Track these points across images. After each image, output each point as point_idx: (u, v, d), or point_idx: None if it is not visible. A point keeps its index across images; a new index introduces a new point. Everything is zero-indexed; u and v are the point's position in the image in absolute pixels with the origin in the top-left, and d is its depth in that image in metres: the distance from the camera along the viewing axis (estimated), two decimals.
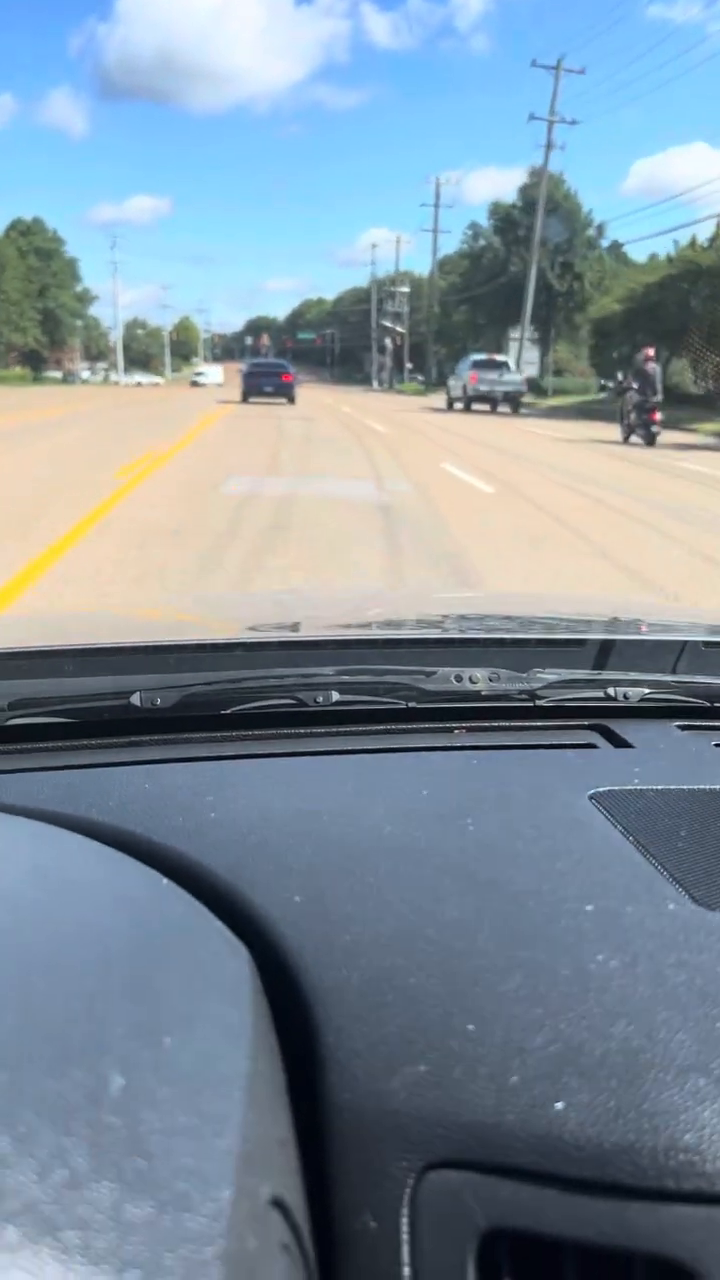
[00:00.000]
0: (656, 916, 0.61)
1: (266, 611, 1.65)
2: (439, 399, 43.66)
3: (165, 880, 0.62)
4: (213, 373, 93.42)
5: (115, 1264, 0.33)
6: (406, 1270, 0.44)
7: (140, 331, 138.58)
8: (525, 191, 58.25)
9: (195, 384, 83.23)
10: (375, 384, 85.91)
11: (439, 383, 59.79)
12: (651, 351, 19.11)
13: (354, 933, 0.59)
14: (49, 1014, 0.44)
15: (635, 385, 18.64)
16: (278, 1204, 0.41)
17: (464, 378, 33.04)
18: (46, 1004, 0.44)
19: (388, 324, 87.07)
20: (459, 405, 34.47)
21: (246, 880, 0.64)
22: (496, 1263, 0.45)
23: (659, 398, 18.28)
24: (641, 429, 18.49)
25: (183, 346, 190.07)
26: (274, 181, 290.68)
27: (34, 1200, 0.34)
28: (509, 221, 61.25)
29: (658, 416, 18.29)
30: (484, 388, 33.28)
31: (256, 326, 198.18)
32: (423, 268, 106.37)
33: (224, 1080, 0.43)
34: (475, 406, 33.46)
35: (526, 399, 36.75)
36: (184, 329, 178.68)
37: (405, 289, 76.60)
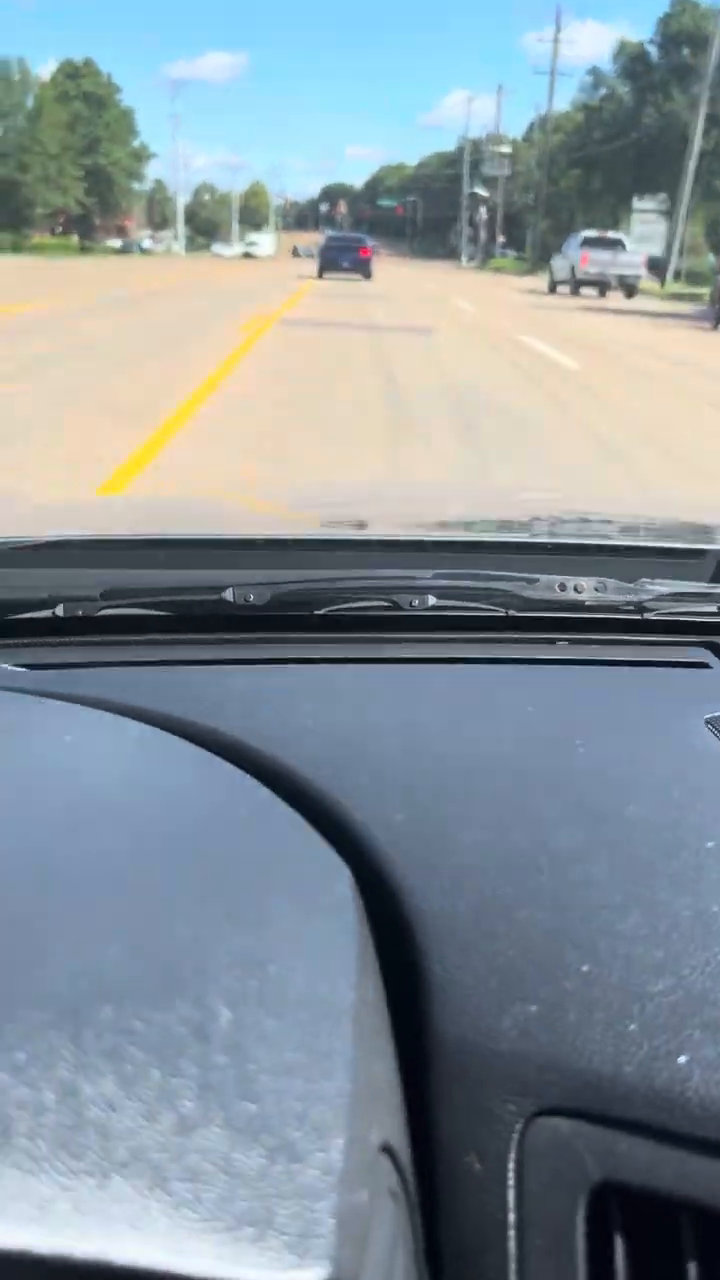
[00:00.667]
0: None
1: (358, 505, 1.56)
2: (539, 281, 37.62)
3: (265, 790, 0.59)
4: (265, 242, 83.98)
5: (226, 1220, 0.31)
6: (512, 1216, 0.43)
7: (208, 197, 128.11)
8: (666, 23, 47.98)
9: (249, 255, 74.50)
10: (464, 259, 76.60)
11: (541, 260, 50.70)
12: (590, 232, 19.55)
13: (461, 857, 0.56)
14: (154, 941, 0.42)
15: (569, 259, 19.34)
16: (386, 1149, 0.40)
17: (571, 257, 29.13)
18: (152, 930, 0.43)
19: (480, 191, 76.96)
20: (563, 289, 30.42)
21: (346, 794, 0.61)
22: (606, 1218, 0.43)
23: (590, 268, 18.41)
24: (572, 289, 18.85)
25: (253, 214, 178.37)
26: (356, 37, 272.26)
27: (142, 1147, 0.32)
28: (640, 64, 51.01)
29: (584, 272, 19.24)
30: (594, 270, 28.99)
31: (333, 194, 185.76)
32: (518, 130, 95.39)
33: (332, 1013, 0.41)
34: (584, 291, 29.71)
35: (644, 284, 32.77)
36: (254, 195, 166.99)
37: (505, 149, 65.34)
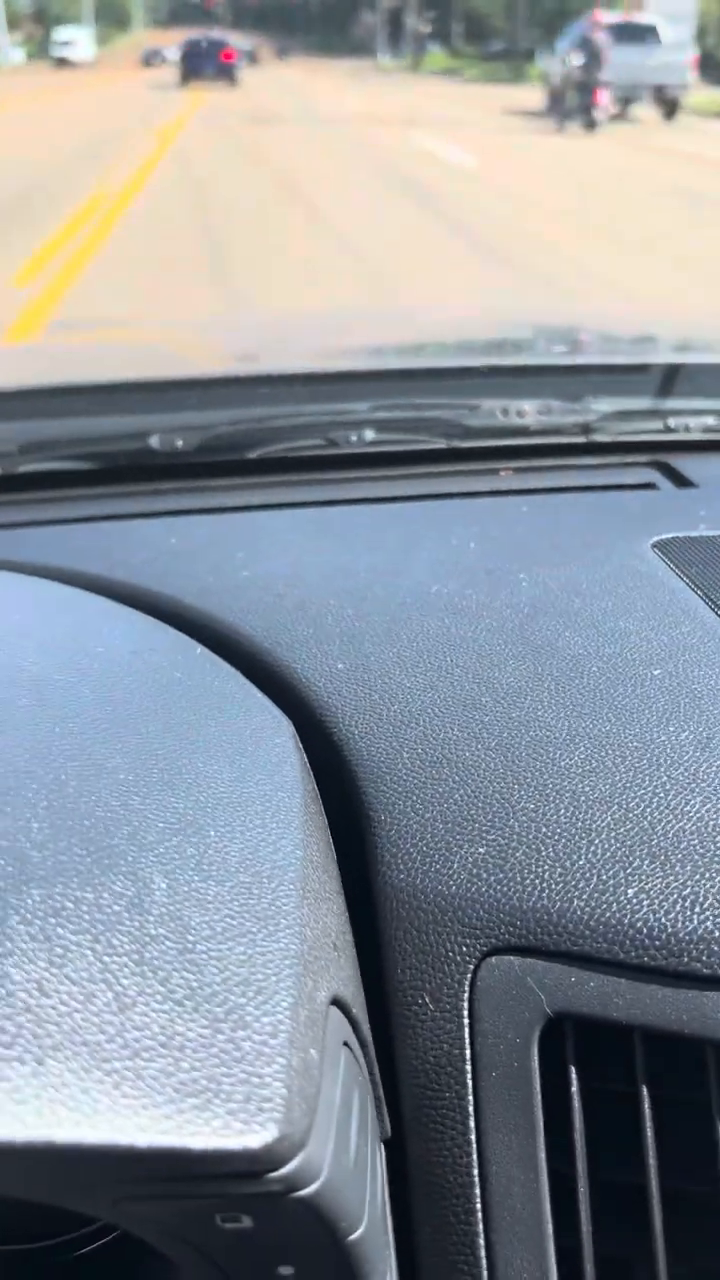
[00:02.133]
0: None
1: (286, 335, 1.49)
2: (520, 95, 24.47)
3: (200, 648, 0.58)
4: (81, 42, 63.25)
5: (168, 1092, 0.31)
6: (468, 1053, 0.44)
7: None
8: None
9: (63, 62, 56.41)
10: (382, 56, 59.54)
11: (501, 56, 35.31)
12: (601, 16, 15.49)
13: (403, 701, 0.56)
14: (82, 815, 0.41)
15: (579, 59, 14.82)
16: (337, 1002, 0.40)
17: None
18: (79, 803, 0.41)
19: None
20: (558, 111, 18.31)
21: (285, 645, 0.60)
22: (561, 1050, 0.44)
23: (606, 76, 14.59)
24: (582, 113, 14.95)
25: (113, 6, 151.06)
26: None
27: (77, 1028, 0.32)
28: None
29: (601, 98, 14.79)
30: (615, 77, 16.87)
31: None
32: None
33: (275, 872, 0.41)
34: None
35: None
36: None
37: None
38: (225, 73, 30.17)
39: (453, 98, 25.90)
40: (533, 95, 22.88)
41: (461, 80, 34.84)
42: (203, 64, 30.38)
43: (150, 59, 59.94)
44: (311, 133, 16.39)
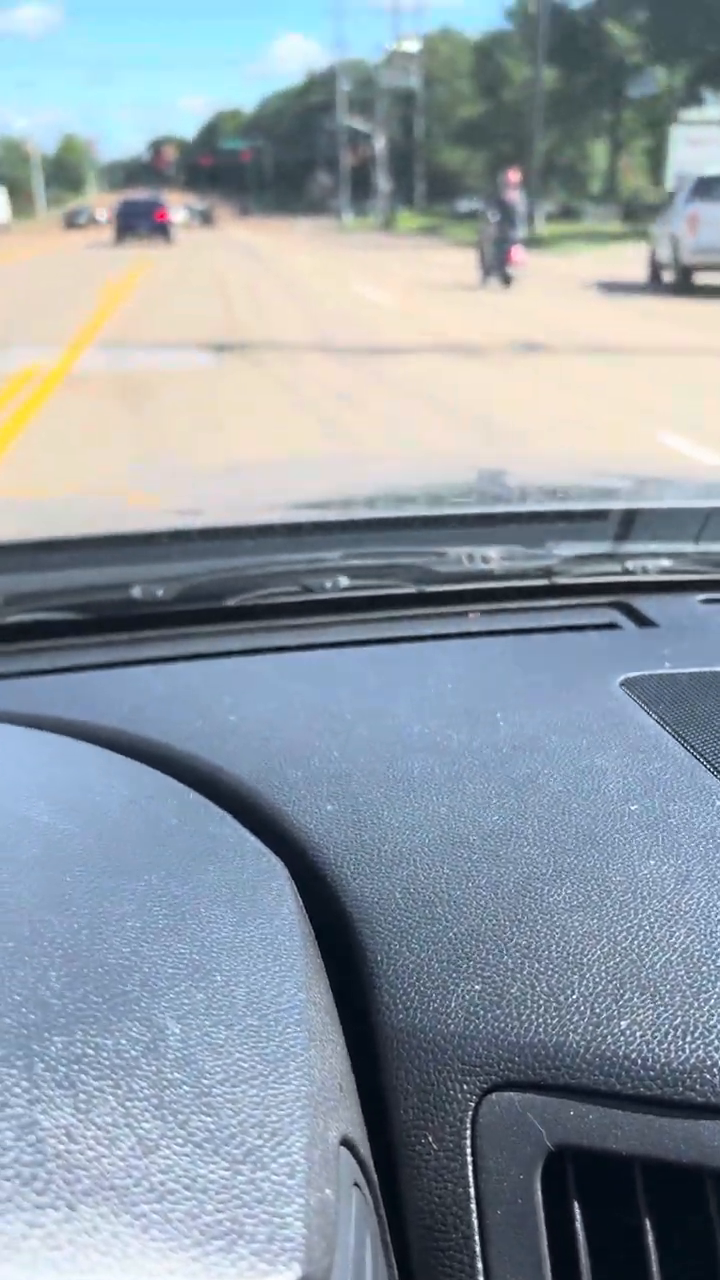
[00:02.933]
0: (703, 814, 0.59)
1: (261, 486, 1.58)
2: (565, 264, 21.71)
3: (193, 794, 0.59)
4: None
5: (195, 1234, 0.32)
6: (473, 1192, 0.44)
7: (14, 154, 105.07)
8: None
9: None
10: (345, 216, 58.23)
11: (472, 216, 32.56)
12: (515, 176, 15.29)
13: (393, 841, 0.57)
14: (96, 962, 0.42)
15: (494, 217, 14.72)
16: (346, 1143, 0.40)
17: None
18: (93, 951, 0.42)
19: (357, 125, 58.47)
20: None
21: (275, 788, 0.61)
22: (563, 1185, 0.44)
23: (519, 232, 14.89)
24: (498, 269, 14.85)
25: (69, 172, 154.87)
26: None
27: (105, 1173, 0.33)
28: None
29: (516, 256, 14.59)
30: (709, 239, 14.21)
31: (162, 145, 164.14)
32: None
33: (281, 1015, 0.42)
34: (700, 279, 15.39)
35: None
36: (69, 150, 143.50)
37: (412, 46, 45.64)
38: (160, 230, 30.83)
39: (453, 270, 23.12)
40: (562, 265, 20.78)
41: (445, 239, 31.96)
42: (137, 222, 31.11)
43: (74, 219, 56.51)
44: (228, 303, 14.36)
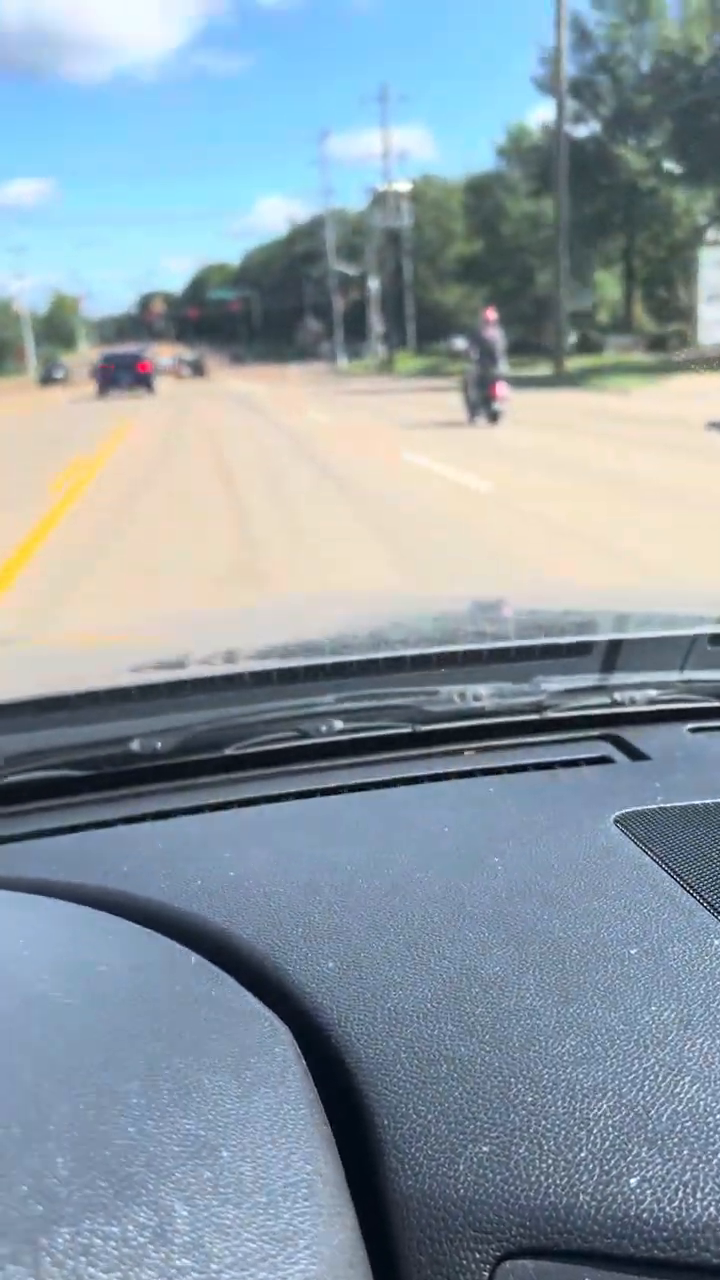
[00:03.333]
0: (703, 955, 0.59)
1: (255, 629, 1.63)
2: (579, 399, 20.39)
3: (194, 956, 0.59)
4: None
5: None
6: None
7: (4, 315, 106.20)
8: None
9: None
10: (341, 359, 56.53)
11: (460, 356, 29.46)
12: (493, 314, 15.63)
13: (395, 998, 0.56)
14: (102, 1144, 0.41)
15: (475, 355, 14.86)
16: None
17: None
18: (98, 1132, 0.42)
19: (344, 269, 57.50)
20: None
21: (276, 946, 0.61)
22: None
23: (501, 368, 14.83)
24: (483, 406, 14.85)
25: (60, 329, 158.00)
26: (161, 155, 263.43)
27: None
28: None
29: (500, 391, 14.61)
30: None
31: (150, 301, 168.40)
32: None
33: (288, 1190, 0.42)
34: None
35: None
36: (60, 308, 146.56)
37: (403, 186, 43.94)
38: (142, 382, 31.03)
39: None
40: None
41: (450, 379, 29.19)
42: (120, 375, 31.30)
43: (51, 374, 53.89)
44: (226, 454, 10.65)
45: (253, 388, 34.11)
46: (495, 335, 14.98)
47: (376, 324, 49.50)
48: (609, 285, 39.95)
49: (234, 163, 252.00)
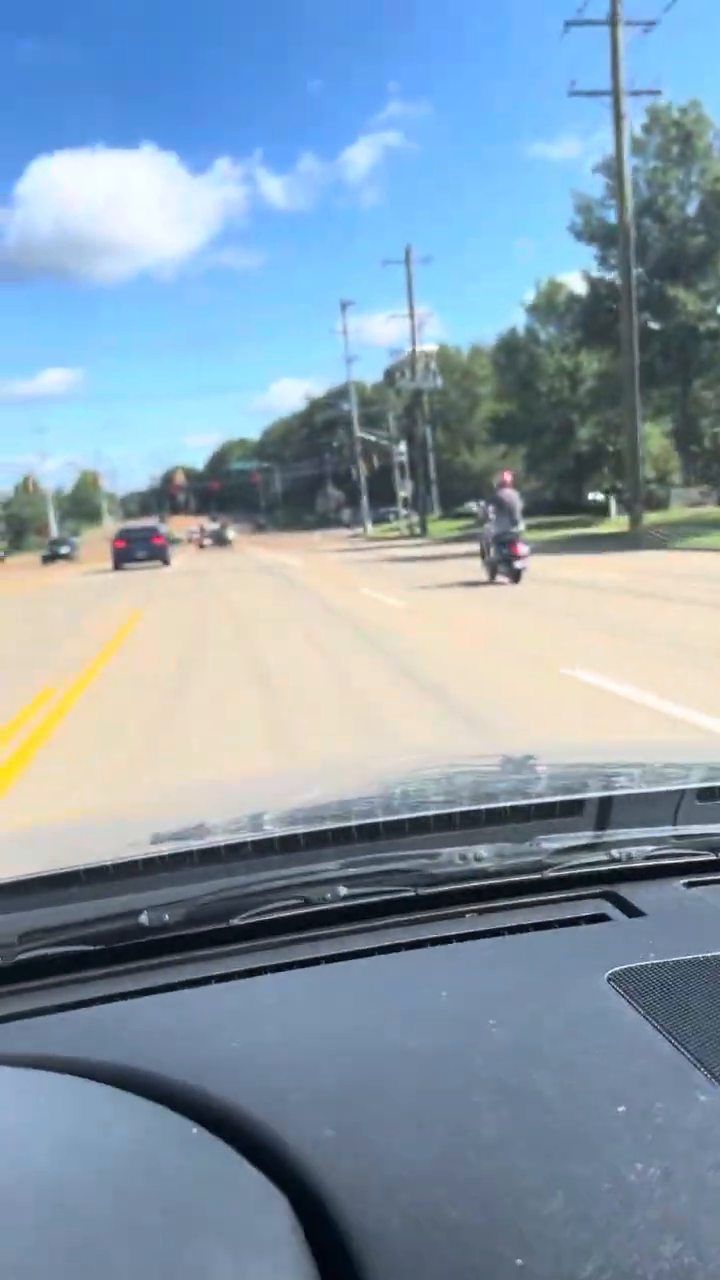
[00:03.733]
0: (688, 1111, 0.60)
1: (257, 798, 1.65)
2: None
3: (195, 1128, 0.60)
4: None
5: None
6: None
7: (29, 493, 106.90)
8: None
9: None
10: (363, 525, 54.13)
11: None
12: (509, 476, 15.99)
13: (392, 1165, 0.57)
14: None
15: (493, 515, 15.06)
16: None
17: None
18: None
19: (367, 435, 55.84)
20: None
21: (276, 1116, 0.62)
22: None
23: (520, 528, 15.07)
24: (504, 564, 14.97)
25: (84, 504, 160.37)
26: (183, 342, 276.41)
27: None
28: None
29: (521, 550, 14.81)
30: None
31: (171, 475, 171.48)
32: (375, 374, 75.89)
33: None
34: None
35: None
36: (84, 485, 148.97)
37: (430, 347, 41.74)
38: (157, 555, 31.00)
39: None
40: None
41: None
42: (135, 548, 31.13)
43: (55, 552, 50.86)
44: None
45: (282, 558, 31.25)
46: (513, 496, 15.21)
47: (401, 488, 47.06)
48: (654, 438, 37.26)
49: (250, 347, 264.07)
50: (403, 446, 41.87)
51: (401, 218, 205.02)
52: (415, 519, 45.12)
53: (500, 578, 15.02)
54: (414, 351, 35.68)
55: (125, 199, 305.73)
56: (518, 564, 14.77)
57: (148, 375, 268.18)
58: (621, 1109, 0.60)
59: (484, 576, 15.24)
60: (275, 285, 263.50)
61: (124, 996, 0.81)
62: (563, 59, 60.73)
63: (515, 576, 14.80)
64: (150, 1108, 0.62)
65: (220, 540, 54.76)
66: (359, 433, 55.61)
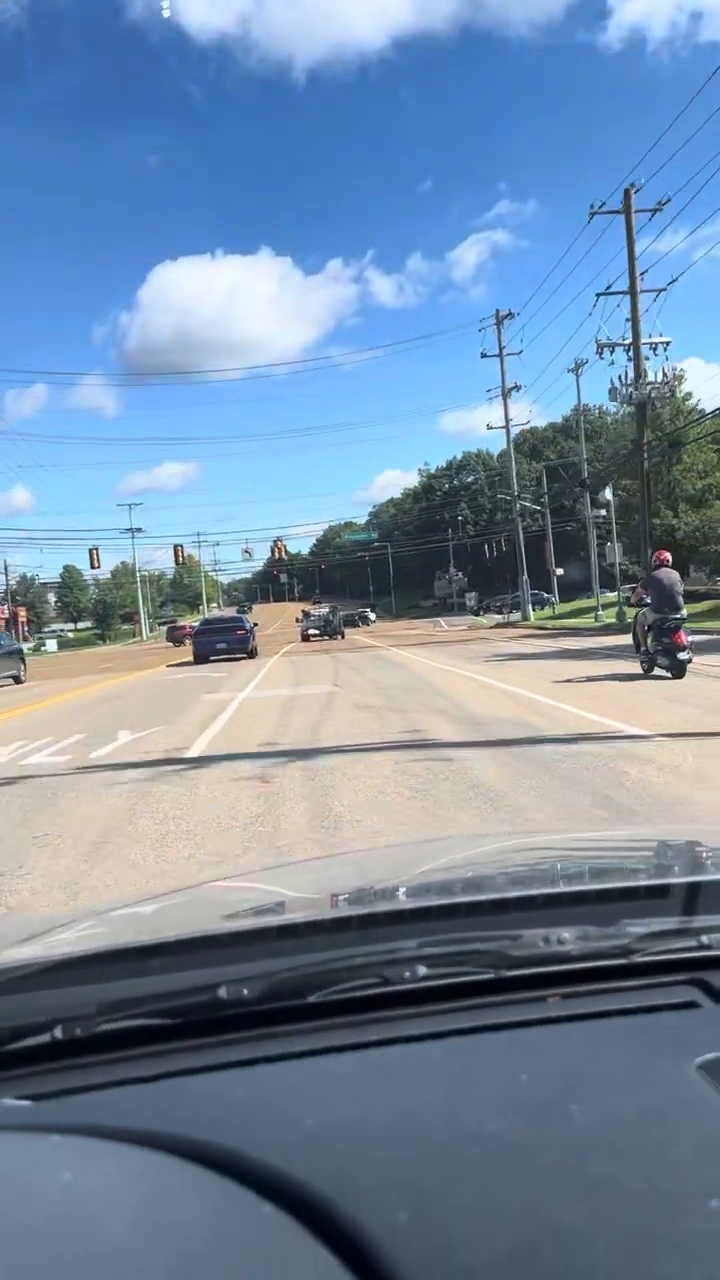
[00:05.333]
0: None
1: (338, 878, 1.62)
2: None
3: (268, 1206, 0.60)
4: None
5: None
6: None
7: (128, 580, 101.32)
8: None
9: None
10: (501, 610, 44.31)
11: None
12: (667, 555, 13.95)
13: (467, 1252, 0.55)
14: None
15: (648, 599, 13.21)
16: None
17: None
18: None
19: (516, 496, 46.43)
20: None
21: (349, 1197, 0.60)
22: None
23: (682, 614, 12.91)
24: (665, 656, 12.76)
25: (187, 591, 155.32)
26: (292, 436, 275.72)
27: None
28: None
29: (684, 639, 12.69)
30: None
31: (278, 563, 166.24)
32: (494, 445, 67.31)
33: None
34: None
35: None
36: (190, 572, 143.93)
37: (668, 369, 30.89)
38: (240, 648, 29.43)
39: None
40: None
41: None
42: (216, 640, 29.81)
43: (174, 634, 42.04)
44: None
45: (421, 659, 22.10)
46: (673, 577, 13.09)
47: (611, 553, 37.12)
48: None
49: (355, 442, 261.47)
50: (607, 494, 31.74)
51: (508, 302, 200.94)
52: (602, 600, 34.88)
53: (659, 670, 13.06)
54: (637, 339, 25.06)
55: (241, 300, 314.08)
56: (681, 655, 12.68)
57: (257, 471, 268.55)
58: (714, 1204, 0.56)
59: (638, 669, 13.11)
60: (380, 381, 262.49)
61: (201, 1071, 0.79)
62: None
63: (679, 670, 12.67)
64: (223, 1184, 0.60)
65: (329, 630, 44.46)
66: (516, 491, 45.87)
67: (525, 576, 45.13)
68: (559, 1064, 0.76)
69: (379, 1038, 0.83)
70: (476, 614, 71.43)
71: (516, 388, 44.10)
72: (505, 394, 43.74)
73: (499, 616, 61.68)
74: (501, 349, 43.02)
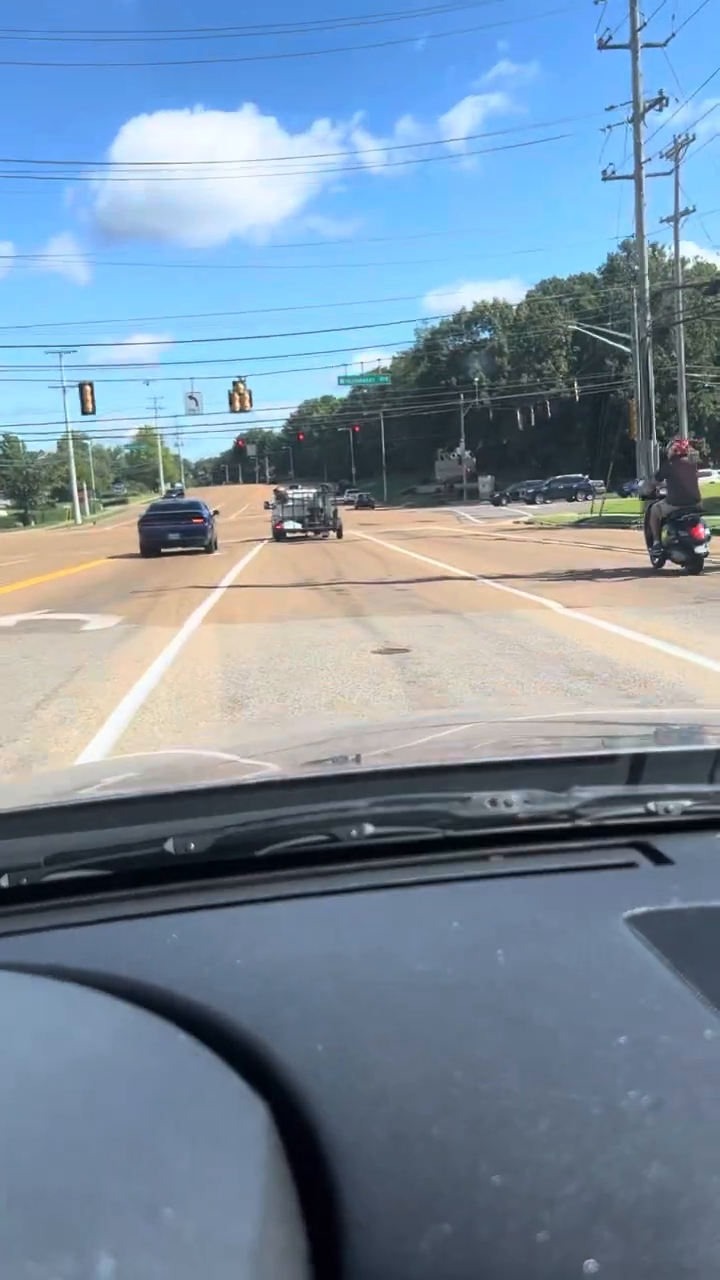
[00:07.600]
0: (693, 1046, 0.59)
1: (297, 746, 1.65)
2: None
3: (183, 1035, 0.61)
4: None
5: None
6: None
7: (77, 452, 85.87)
8: None
9: None
10: (522, 500, 30.54)
11: None
12: (686, 443, 13.25)
13: (378, 1080, 0.57)
14: (41, 1193, 0.43)
15: (663, 491, 12.61)
16: None
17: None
18: (39, 1182, 0.44)
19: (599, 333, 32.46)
20: None
21: (270, 1030, 0.62)
22: None
23: (700, 505, 12.35)
24: (680, 550, 12.26)
25: (144, 468, 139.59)
26: (269, 309, 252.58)
27: None
28: None
29: (703, 532, 12.20)
30: None
31: (247, 440, 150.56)
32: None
33: (228, 1253, 0.42)
34: None
35: None
36: (148, 450, 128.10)
37: None
38: (196, 539, 24.01)
39: None
40: None
41: None
42: (166, 529, 24.25)
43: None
44: None
45: (549, 602, 10.90)
46: (691, 467, 12.62)
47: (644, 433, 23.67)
48: None
49: (335, 320, 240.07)
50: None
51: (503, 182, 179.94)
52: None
53: (670, 564, 12.50)
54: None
55: (222, 160, 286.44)
56: (699, 549, 12.08)
57: (231, 343, 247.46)
58: (623, 1040, 0.59)
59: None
60: (365, 252, 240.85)
61: (140, 917, 0.81)
62: None
63: (696, 565, 12.04)
64: (143, 1017, 0.62)
65: (317, 521, 30.07)
66: (648, 289, 30.83)
67: (653, 439, 29.24)
68: (492, 914, 0.78)
69: (320, 889, 0.85)
70: (497, 504, 57.70)
71: (662, 101, 28.91)
72: (638, 112, 28.80)
73: (532, 507, 47.94)
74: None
